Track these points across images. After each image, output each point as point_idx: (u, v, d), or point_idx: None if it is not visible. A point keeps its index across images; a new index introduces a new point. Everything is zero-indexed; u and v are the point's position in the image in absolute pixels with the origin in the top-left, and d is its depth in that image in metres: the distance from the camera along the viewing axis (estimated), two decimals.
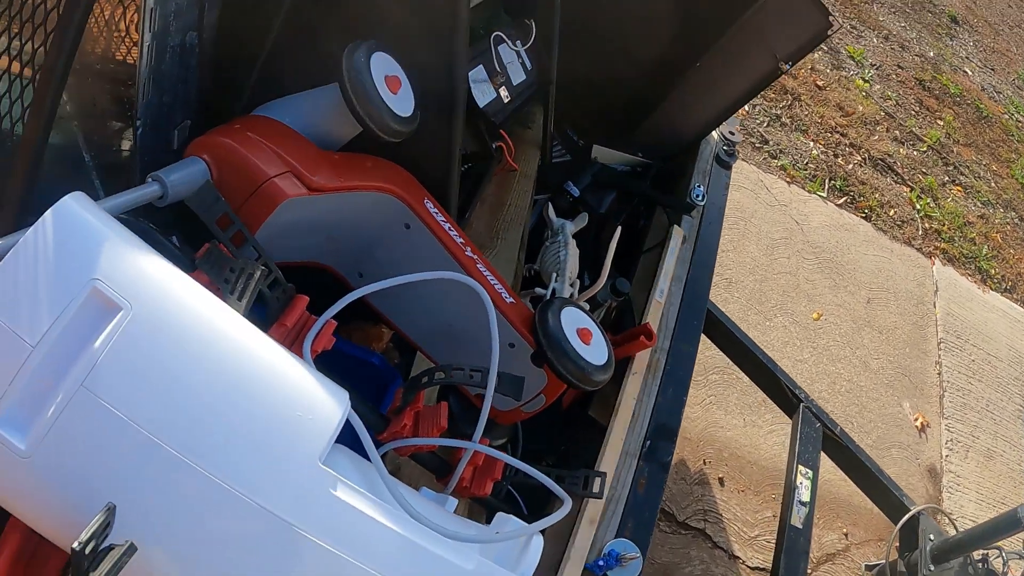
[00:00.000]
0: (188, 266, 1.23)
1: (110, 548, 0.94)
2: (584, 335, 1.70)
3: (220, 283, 1.18)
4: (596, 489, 1.69)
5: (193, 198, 1.27)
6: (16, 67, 1.44)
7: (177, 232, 1.57)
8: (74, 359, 0.98)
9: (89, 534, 0.91)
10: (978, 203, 6.51)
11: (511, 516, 1.32)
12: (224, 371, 1.04)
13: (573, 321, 1.71)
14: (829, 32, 2.45)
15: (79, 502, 0.99)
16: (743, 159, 5.49)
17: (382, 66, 1.56)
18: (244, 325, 1.10)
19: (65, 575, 1.08)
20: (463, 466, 1.47)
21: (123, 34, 1.59)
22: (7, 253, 1.01)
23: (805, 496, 2.89)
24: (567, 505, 1.40)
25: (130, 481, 0.99)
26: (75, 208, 1.06)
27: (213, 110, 1.79)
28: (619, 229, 2.23)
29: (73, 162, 1.66)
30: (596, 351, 1.71)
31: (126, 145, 1.71)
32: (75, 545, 0.90)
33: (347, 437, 1.20)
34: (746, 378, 3.41)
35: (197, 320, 1.06)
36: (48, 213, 1.03)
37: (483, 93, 2.17)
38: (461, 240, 1.73)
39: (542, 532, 1.34)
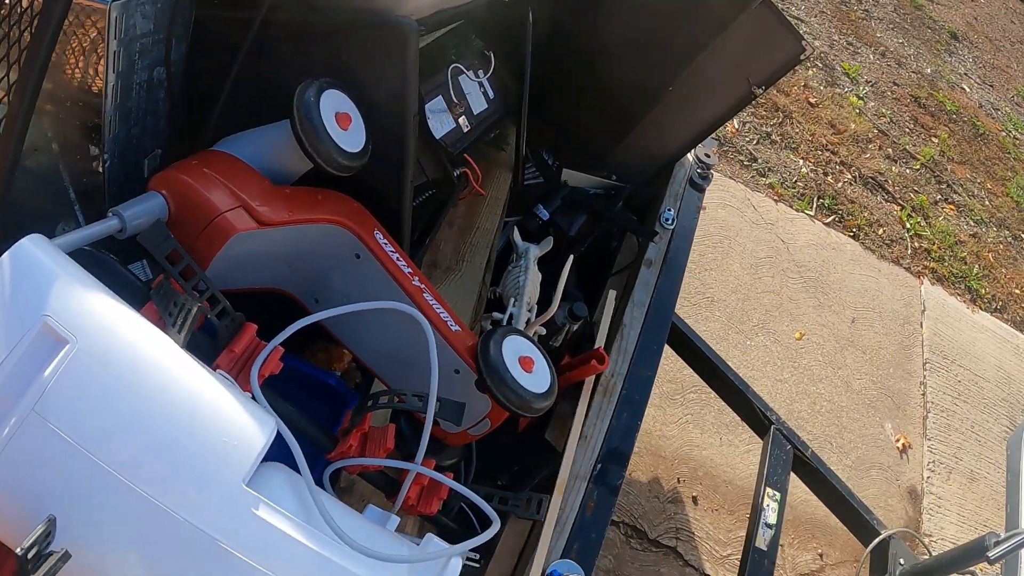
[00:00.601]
0: (144, 296, 1.35)
1: (50, 554, 1.07)
2: (526, 363, 1.80)
3: (165, 316, 1.30)
4: (537, 511, 1.80)
5: (144, 236, 1.39)
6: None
7: (148, 257, 1.69)
8: (26, 386, 1.11)
9: (31, 541, 1.05)
10: (971, 222, 6.61)
11: (435, 537, 1.43)
12: (158, 400, 1.17)
13: (515, 350, 1.81)
14: (802, 57, 2.55)
15: (27, 513, 1.11)
16: (731, 176, 5.60)
17: (333, 103, 1.68)
18: (180, 357, 1.22)
19: None
20: (407, 486, 1.59)
21: (91, 71, 1.70)
22: None
23: (771, 518, 2.97)
24: (495, 526, 1.51)
25: (71, 495, 1.12)
26: (31, 250, 1.19)
27: (184, 138, 1.91)
28: (572, 257, 2.32)
29: (55, 189, 1.77)
30: (538, 379, 1.80)
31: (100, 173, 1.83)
32: (18, 551, 1.03)
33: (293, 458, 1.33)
34: (721, 398, 3.50)
35: (136, 353, 1.18)
36: (6, 255, 1.17)
37: (441, 123, 2.27)
38: (409, 270, 1.83)
39: (487, 548, 1.44)
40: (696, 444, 4.16)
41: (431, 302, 1.84)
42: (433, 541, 1.41)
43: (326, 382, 1.92)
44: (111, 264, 1.51)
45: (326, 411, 1.87)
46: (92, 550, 1.12)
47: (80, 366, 1.13)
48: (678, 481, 4.01)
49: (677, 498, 3.96)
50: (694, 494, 4.00)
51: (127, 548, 1.15)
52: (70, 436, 1.10)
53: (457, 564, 1.38)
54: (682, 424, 4.19)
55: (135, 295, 1.29)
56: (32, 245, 1.19)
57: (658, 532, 3.79)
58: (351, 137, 1.70)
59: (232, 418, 1.21)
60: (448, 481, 1.58)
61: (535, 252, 2.44)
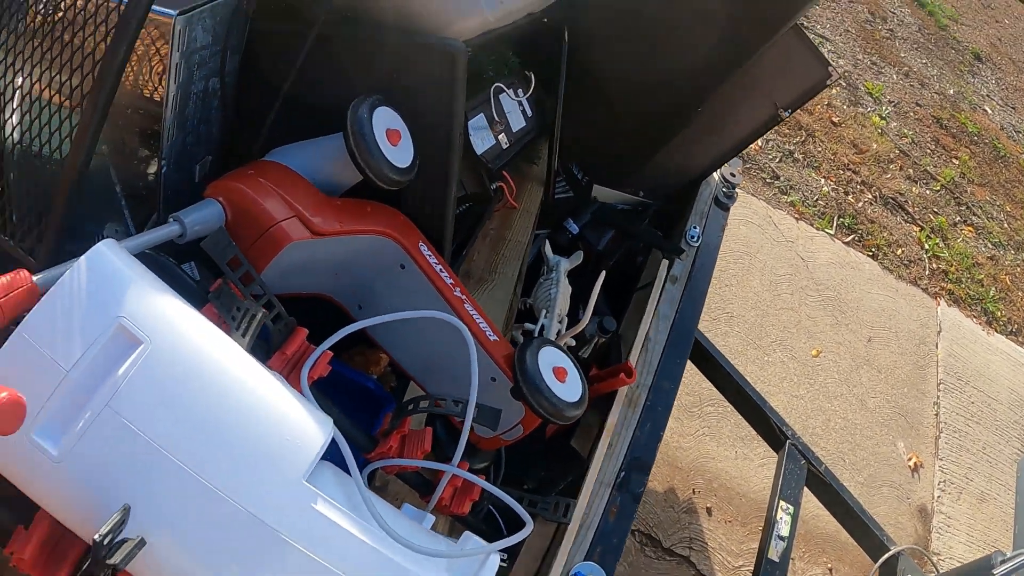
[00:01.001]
0: (202, 298, 1.43)
1: (124, 541, 1.15)
2: (559, 373, 1.87)
3: (228, 319, 1.38)
4: (564, 515, 1.87)
5: (208, 242, 1.47)
6: (57, 99, 1.63)
7: (195, 259, 1.77)
8: (101, 383, 1.20)
9: (108, 528, 1.13)
10: (989, 244, 6.63)
11: (473, 535, 1.50)
12: (225, 398, 1.25)
13: (550, 360, 1.88)
14: (828, 82, 2.60)
15: (99, 502, 1.20)
16: (753, 194, 5.64)
17: (384, 120, 1.75)
18: (245, 359, 1.31)
19: (83, 562, 1.28)
20: (443, 487, 1.66)
21: (155, 81, 1.78)
22: (47, 289, 1.23)
23: (784, 531, 3.02)
24: (527, 527, 1.58)
25: (143, 486, 1.20)
26: (107, 254, 1.27)
27: (234, 146, 1.99)
28: (604, 272, 2.38)
29: (104, 192, 1.85)
30: (570, 389, 1.87)
31: (151, 178, 1.90)
32: (96, 537, 1.12)
33: (339, 455, 1.41)
34: (738, 412, 3.56)
35: (205, 354, 1.27)
36: (83, 259, 1.25)
37: (482, 140, 2.34)
38: (451, 281, 1.91)
39: (514, 550, 1.51)
40: (712, 456, 4.22)
41: (471, 312, 1.91)
42: (472, 539, 1.48)
43: (365, 385, 1.99)
44: (171, 267, 1.59)
45: (364, 413, 1.94)
46: (161, 540, 1.20)
47: (153, 365, 1.21)
48: (693, 492, 4.06)
49: (692, 508, 4.01)
50: (708, 505, 4.06)
51: (193, 538, 1.22)
52: (142, 431, 1.19)
53: (495, 561, 1.45)
54: (699, 436, 4.25)
55: (194, 297, 1.37)
56: (107, 249, 1.27)
57: (672, 541, 3.84)
58: (400, 153, 1.77)
59: (293, 418, 1.30)
60: (483, 483, 1.65)
61: (566, 265, 2.50)
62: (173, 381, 1.22)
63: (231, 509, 1.21)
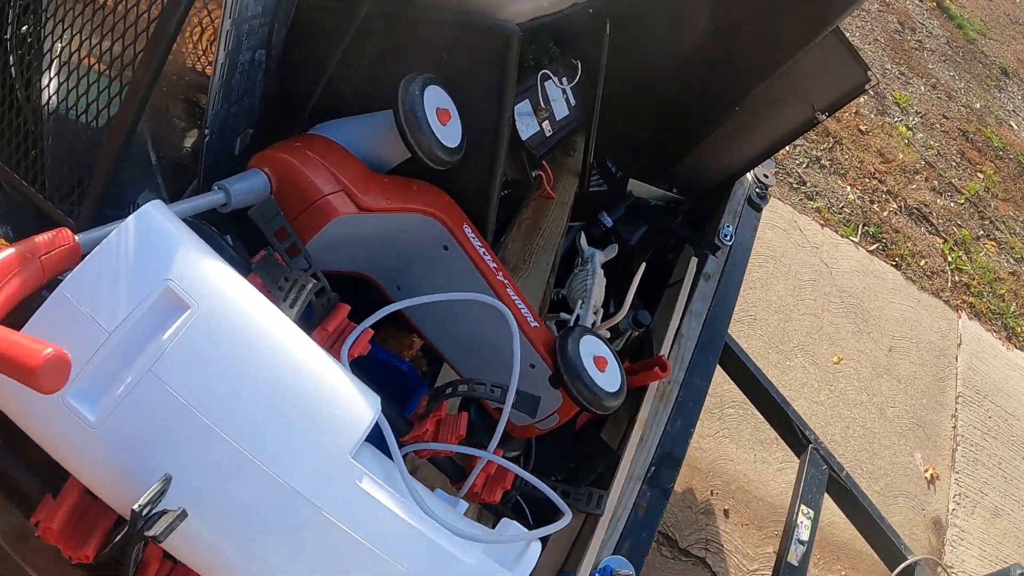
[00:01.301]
0: (244, 269, 1.38)
1: (163, 512, 1.09)
2: (600, 363, 1.83)
3: (274, 289, 1.33)
4: (598, 507, 1.82)
5: (256, 211, 1.42)
6: (105, 73, 1.59)
7: (231, 232, 1.72)
8: (144, 347, 1.14)
9: (148, 498, 1.07)
10: (1011, 259, 6.56)
11: (513, 522, 1.45)
12: (273, 369, 1.20)
13: (591, 349, 1.84)
14: (867, 86, 2.56)
15: (137, 471, 1.14)
16: (780, 199, 5.59)
17: (435, 99, 1.70)
18: (294, 330, 1.25)
19: (113, 534, 1.22)
20: (476, 473, 1.61)
21: (200, 49, 1.73)
22: (92, 248, 1.18)
23: (804, 535, 2.98)
24: (567, 517, 1.54)
25: (184, 457, 1.14)
26: (155, 215, 1.22)
27: (275, 120, 1.93)
28: (644, 264, 2.35)
29: (140, 160, 1.80)
30: (610, 378, 1.83)
31: (190, 147, 1.85)
32: (135, 507, 1.05)
33: (372, 436, 1.35)
34: (760, 415, 3.51)
35: (254, 322, 1.21)
36: (131, 218, 1.19)
37: (527, 126, 2.30)
38: (494, 265, 1.87)
39: (542, 540, 1.47)
40: (731, 458, 4.17)
41: (513, 297, 1.87)
42: (513, 525, 1.43)
43: (399, 368, 1.94)
44: (214, 236, 1.54)
45: (396, 396, 1.89)
46: (199, 513, 1.14)
47: (200, 331, 1.15)
48: (711, 493, 4.02)
49: (709, 510, 3.96)
50: (726, 507, 4.01)
51: (232, 513, 1.17)
52: (185, 399, 1.13)
53: (537, 548, 1.40)
54: (719, 438, 4.20)
55: (237, 267, 1.32)
56: (155, 211, 1.22)
57: (689, 542, 3.80)
58: (449, 132, 1.72)
59: (342, 392, 1.24)
60: (520, 471, 1.60)
61: (600, 257, 2.47)
62: (220, 348, 1.17)
63: (273, 483, 1.15)
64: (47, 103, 1.68)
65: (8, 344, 0.95)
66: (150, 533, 1.05)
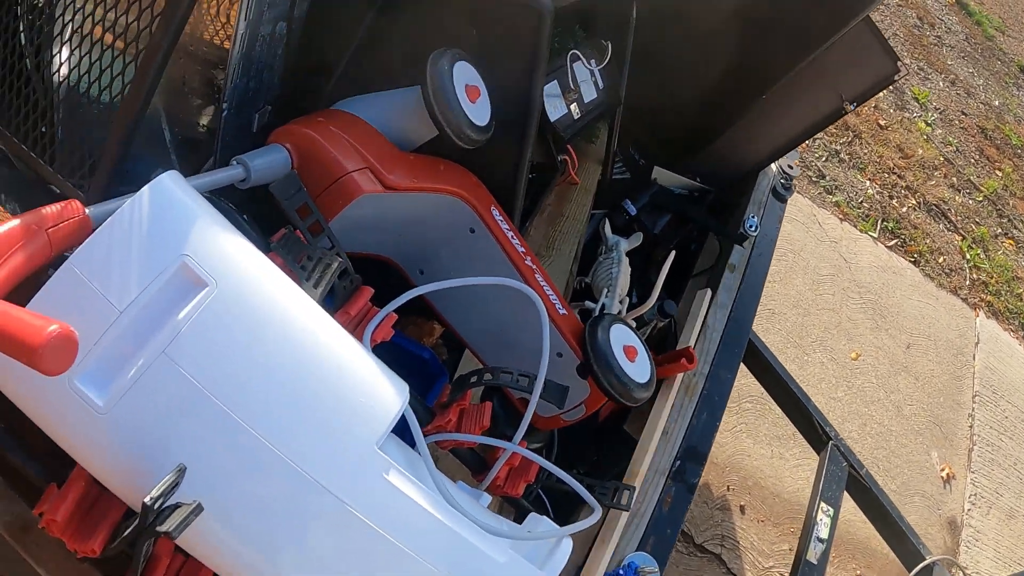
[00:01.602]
0: (263, 248, 1.29)
1: (176, 506, 1.01)
2: (630, 352, 1.76)
3: (296, 269, 1.25)
4: (624, 502, 1.75)
5: (277, 186, 1.34)
6: (119, 44, 1.51)
7: (247, 212, 1.64)
8: (158, 327, 1.05)
9: (160, 491, 0.98)
10: None
11: (544, 517, 1.37)
12: (296, 353, 1.11)
13: (621, 338, 1.77)
14: (896, 77, 2.49)
15: (148, 461, 1.06)
16: (799, 192, 5.50)
17: (464, 75, 1.62)
18: (318, 312, 1.16)
19: (122, 528, 1.14)
20: (500, 465, 1.53)
21: (219, 19, 1.65)
22: (103, 221, 1.09)
23: (823, 533, 2.91)
24: (596, 513, 1.46)
25: (199, 446, 1.06)
26: (171, 186, 1.13)
27: (294, 97, 1.86)
28: (673, 253, 2.28)
29: (152, 134, 1.72)
30: (640, 369, 1.77)
31: (205, 123, 1.78)
32: (147, 500, 0.97)
33: (394, 427, 1.27)
34: (778, 410, 3.42)
35: (276, 303, 1.12)
36: (145, 189, 1.10)
37: (555, 108, 2.23)
38: (522, 249, 1.80)
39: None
40: (748, 454, 4.09)
41: (542, 283, 1.80)
42: (544, 521, 1.36)
43: (420, 355, 1.87)
44: (232, 213, 1.46)
45: (417, 384, 1.82)
46: (214, 508, 1.06)
47: (218, 311, 1.07)
48: (728, 489, 3.94)
49: (725, 506, 3.89)
50: (742, 503, 3.93)
51: (250, 508, 1.09)
52: (202, 383, 1.05)
53: (568, 545, 1.33)
54: (736, 432, 4.12)
55: (259, 245, 1.24)
56: (172, 182, 1.14)
57: (704, 537, 3.72)
58: (479, 110, 1.64)
59: (369, 379, 1.16)
60: (547, 464, 1.52)
61: (625, 245, 2.40)
62: (240, 329, 1.08)
63: (295, 475, 1.07)
64: (59, 73, 1.60)
65: (9, 320, 0.87)
66: (163, 528, 0.97)
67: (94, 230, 1.09)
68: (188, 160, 1.75)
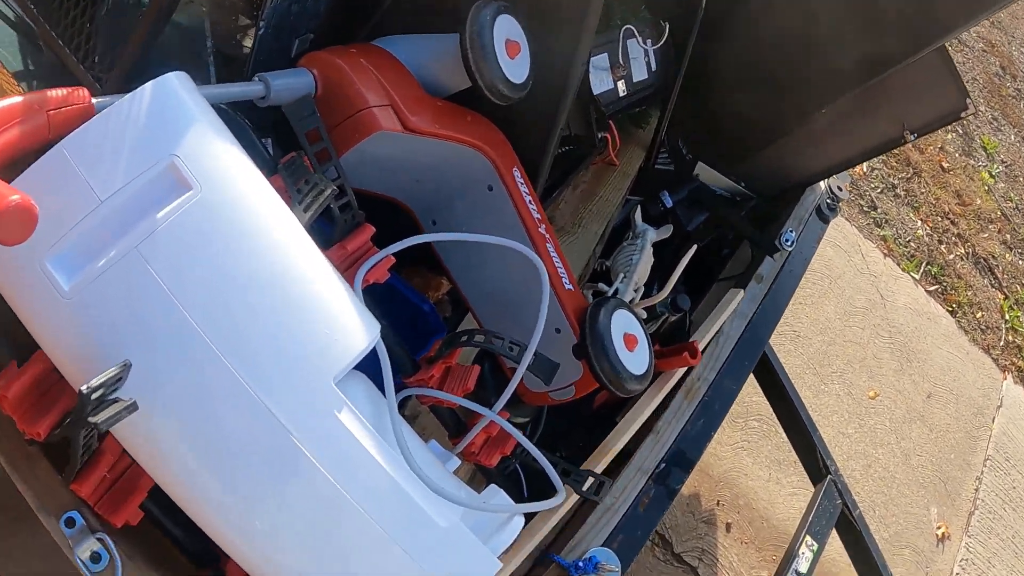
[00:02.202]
0: (270, 169, 1.28)
1: (115, 400, 1.00)
2: (630, 341, 1.74)
3: (292, 192, 1.23)
4: (596, 493, 1.72)
5: (290, 106, 1.33)
6: None
7: (272, 136, 1.63)
8: (135, 223, 1.05)
9: (100, 382, 0.98)
10: None
11: (501, 491, 1.35)
12: (267, 272, 1.10)
13: (623, 325, 1.75)
14: (963, 115, 2.43)
15: (100, 352, 1.05)
16: (847, 219, 5.43)
17: (505, 28, 1.60)
18: (300, 237, 1.15)
19: (66, 419, 1.14)
20: (476, 431, 1.52)
21: None
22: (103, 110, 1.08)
23: (803, 567, 2.87)
24: (558, 498, 1.44)
25: (152, 347, 1.05)
26: (175, 86, 1.13)
27: (338, 29, 1.84)
28: (694, 247, 2.25)
29: (195, 45, 1.72)
30: (637, 359, 1.74)
31: (248, 41, 1.77)
32: (84, 388, 0.96)
33: (376, 372, 1.26)
34: (784, 434, 3.37)
35: (258, 219, 1.12)
36: (149, 84, 1.11)
37: (601, 81, 2.20)
38: (538, 216, 1.78)
39: (527, 516, 1.37)
40: (745, 472, 4.05)
41: (552, 254, 1.78)
42: (499, 494, 1.34)
43: (420, 306, 1.85)
44: (244, 128, 1.45)
45: (411, 335, 1.80)
46: (156, 413, 1.06)
47: (197, 216, 1.07)
48: (717, 503, 3.90)
49: (711, 520, 3.85)
50: (729, 521, 3.89)
51: (192, 421, 1.08)
52: (167, 285, 1.05)
53: (519, 523, 1.32)
54: (737, 449, 4.08)
55: (263, 165, 1.22)
56: (177, 81, 1.13)
57: (684, 548, 3.69)
58: (516, 67, 1.62)
59: (339, 313, 1.15)
60: (522, 438, 1.50)
61: (652, 235, 2.37)
62: (215, 238, 1.08)
63: (244, 396, 1.06)
64: None
65: None
66: (93, 420, 0.96)
67: None
68: (227, 75, 1.75)
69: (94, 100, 1.16)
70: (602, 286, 2.20)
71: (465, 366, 1.54)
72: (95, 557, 1.26)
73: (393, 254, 1.43)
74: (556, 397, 1.88)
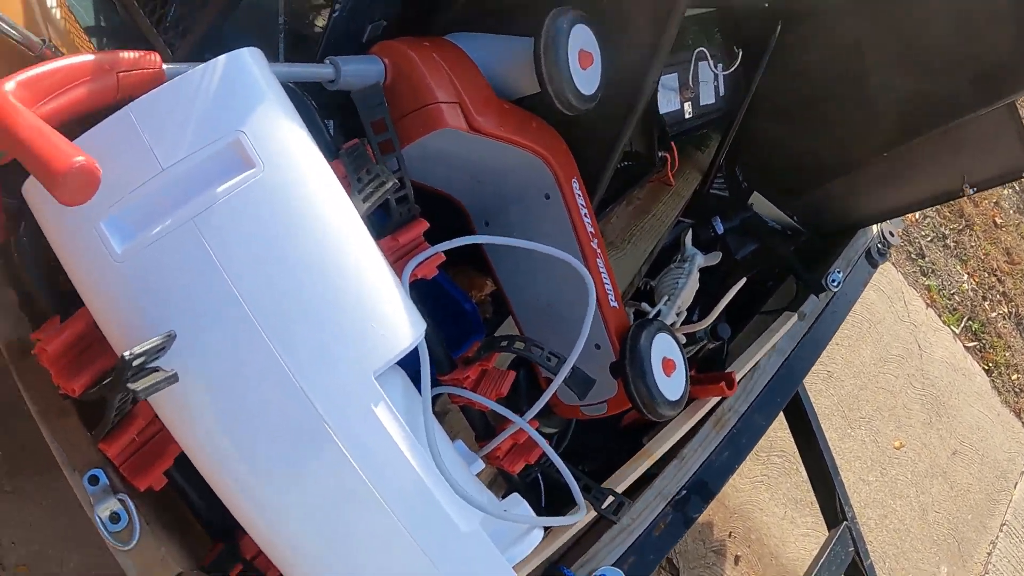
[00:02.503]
0: (332, 153, 1.29)
1: (155, 370, 1.01)
2: (668, 366, 1.74)
3: (353, 180, 1.24)
4: (614, 512, 1.72)
5: (359, 94, 1.35)
6: None
7: (336, 119, 1.64)
8: (194, 194, 1.06)
9: (143, 349, 0.99)
10: None
11: (523, 501, 1.36)
12: (320, 258, 1.12)
13: (663, 348, 1.75)
14: None
15: (145, 319, 1.07)
16: (893, 264, 5.39)
17: (581, 38, 1.60)
18: (357, 225, 1.17)
19: (104, 378, 1.15)
20: (503, 437, 1.53)
21: None
22: (173, 78, 1.10)
23: None
24: (579, 513, 1.45)
25: (198, 320, 1.06)
26: (248, 62, 1.14)
27: (412, 18, 1.84)
28: (743, 280, 2.25)
29: (267, 19, 1.73)
30: (673, 385, 1.75)
31: (320, 22, 1.78)
32: (126, 354, 0.97)
33: (412, 365, 1.27)
34: (804, 474, 3.36)
35: (317, 204, 1.13)
36: (222, 58, 1.12)
37: (668, 101, 2.20)
38: (592, 230, 1.79)
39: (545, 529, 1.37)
40: (760, 507, 4.03)
41: (601, 270, 1.79)
42: (522, 505, 1.34)
43: (462, 305, 1.86)
44: (313, 112, 1.46)
45: (450, 333, 1.81)
46: (194, 387, 1.07)
47: (257, 195, 1.08)
48: (729, 535, 3.89)
49: (722, 551, 3.83)
50: (739, 554, 3.87)
51: (230, 400, 1.10)
52: (219, 260, 1.06)
53: (538, 536, 1.33)
54: (756, 482, 4.06)
55: (325, 149, 1.22)
56: (250, 58, 1.14)
57: (690, 575, 3.67)
58: (588, 78, 1.61)
59: (388, 307, 1.16)
60: (549, 449, 1.50)
61: (700, 261, 2.36)
62: (272, 218, 1.09)
63: (284, 378, 1.07)
64: None
65: (43, 142, 0.88)
66: (132, 387, 0.97)
67: None
68: (295, 54, 1.76)
69: (165, 66, 1.17)
70: (645, 306, 2.20)
71: (501, 371, 1.55)
72: (114, 517, 1.28)
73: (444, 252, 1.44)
74: (587, 412, 1.90)
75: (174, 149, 1.05)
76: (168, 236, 1.05)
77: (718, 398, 2.17)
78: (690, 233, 2.44)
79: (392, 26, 1.83)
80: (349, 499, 1.12)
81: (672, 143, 2.34)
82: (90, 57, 1.10)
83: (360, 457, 1.10)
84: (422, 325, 1.20)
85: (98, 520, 1.28)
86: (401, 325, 1.16)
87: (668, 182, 2.43)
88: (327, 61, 1.43)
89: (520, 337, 1.54)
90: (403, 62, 1.50)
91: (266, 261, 1.08)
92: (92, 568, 2.71)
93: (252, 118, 1.09)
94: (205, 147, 1.06)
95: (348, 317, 1.12)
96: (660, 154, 2.31)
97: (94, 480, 1.29)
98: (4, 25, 1.24)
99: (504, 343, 1.51)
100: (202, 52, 1.50)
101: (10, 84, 0.99)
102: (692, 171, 2.62)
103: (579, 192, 1.76)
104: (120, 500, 1.29)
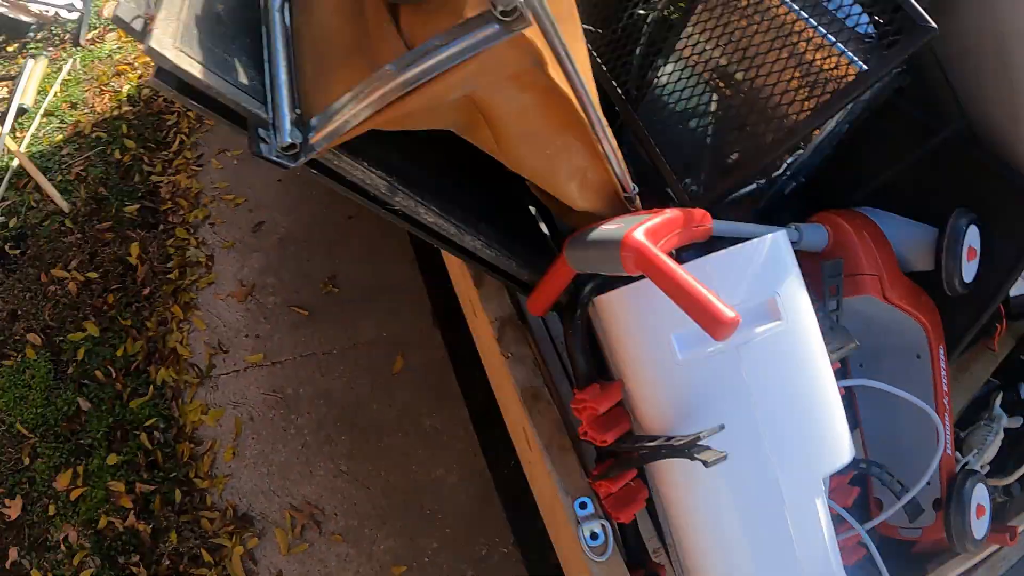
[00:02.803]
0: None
1: (707, 448, 1.56)
2: (979, 511, 2.21)
3: (825, 329, 1.80)
4: None
5: (827, 264, 1.94)
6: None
7: None
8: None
9: (706, 432, 1.57)
10: None
11: None
12: (811, 389, 1.72)
13: (979, 496, 2.22)
14: None
15: (692, 410, 1.68)
16: None
17: (972, 237, 2.10)
18: (828, 366, 1.76)
19: (622, 440, 1.78)
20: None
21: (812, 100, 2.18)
22: (718, 233, 1.75)
23: None
24: None
25: (724, 419, 1.64)
26: (783, 243, 1.75)
27: (821, 179, 2.38)
28: None
29: (698, 154, 2.19)
30: (980, 527, 2.21)
31: (735, 157, 2.13)
32: (700, 432, 1.57)
33: None
34: None
35: (812, 351, 1.74)
36: (768, 237, 1.71)
37: (1018, 287, 2.44)
38: (946, 388, 2.27)
39: None
40: None
41: (946, 422, 2.27)
42: None
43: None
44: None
45: None
46: (714, 472, 1.58)
47: (778, 340, 1.67)
48: None
49: None
50: None
51: (726, 474, 1.67)
52: (748, 379, 1.65)
53: None
54: None
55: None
56: (783, 240, 1.75)
57: None
58: (970, 269, 2.12)
59: (840, 427, 1.75)
60: (878, 559, 2.02)
61: (1005, 422, 2.70)
62: (785, 356, 1.69)
63: (763, 463, 1.66)
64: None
65: (706, 297, 1.42)
66: (699, 457, 1.51)
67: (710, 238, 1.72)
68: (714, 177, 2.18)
69: (712, 223, 1.75)
70: (958, 455, 2.57)
71: (848, 486, 2.07)
72: (594, 535, 1.85)
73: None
74: (903, 534, 2.34)
75: (730, 296, 1.57)
76: (715, 359, 1.65)
77: (998, 546, 2.47)
78: (1000, 395, 2.79)
79: (807, 183, 2.37)
80: (779, 562, 1.70)
81: (1004, 316, 2.62)
82: (679, 212, 1.68)
83: (800, 538, 1.68)
84: (853, 449, 1.77)
85: (581, 535, 1.84)
86: (846, 441, 1.74)
87: (992, 347, 2.83)
88: (792, 227, 2.02)
89: (876, 463, 2.08)
90: (842, 235, 2.07)
91: (777, 388, 1.66)
92: (400, 555, 3.37)
93: (784, 285, 1.68)
94: (751, 299, 1.65)
95: (819, 430, 1.70)
96: (995, 324, 2.65)
97: (583, 505, 1.87)
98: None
99: (863, 465, 2.05)
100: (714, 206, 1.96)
101: (639, 232, 1.54)
102: (1008, 336, 2.86)
103: (943, 358, 2.26)
104: (602, 524, 1.86)
